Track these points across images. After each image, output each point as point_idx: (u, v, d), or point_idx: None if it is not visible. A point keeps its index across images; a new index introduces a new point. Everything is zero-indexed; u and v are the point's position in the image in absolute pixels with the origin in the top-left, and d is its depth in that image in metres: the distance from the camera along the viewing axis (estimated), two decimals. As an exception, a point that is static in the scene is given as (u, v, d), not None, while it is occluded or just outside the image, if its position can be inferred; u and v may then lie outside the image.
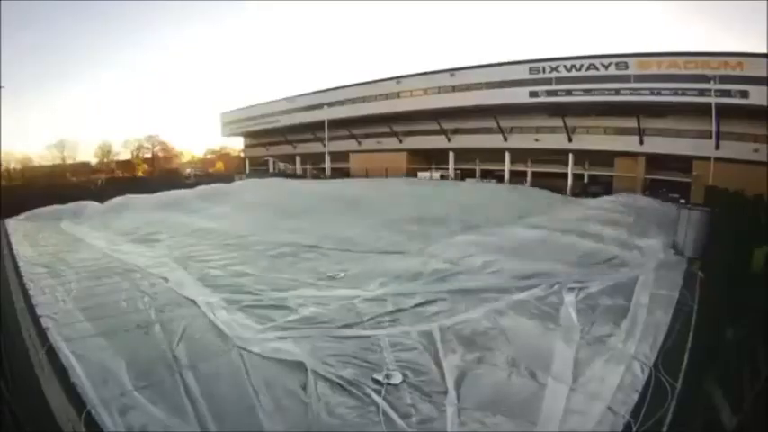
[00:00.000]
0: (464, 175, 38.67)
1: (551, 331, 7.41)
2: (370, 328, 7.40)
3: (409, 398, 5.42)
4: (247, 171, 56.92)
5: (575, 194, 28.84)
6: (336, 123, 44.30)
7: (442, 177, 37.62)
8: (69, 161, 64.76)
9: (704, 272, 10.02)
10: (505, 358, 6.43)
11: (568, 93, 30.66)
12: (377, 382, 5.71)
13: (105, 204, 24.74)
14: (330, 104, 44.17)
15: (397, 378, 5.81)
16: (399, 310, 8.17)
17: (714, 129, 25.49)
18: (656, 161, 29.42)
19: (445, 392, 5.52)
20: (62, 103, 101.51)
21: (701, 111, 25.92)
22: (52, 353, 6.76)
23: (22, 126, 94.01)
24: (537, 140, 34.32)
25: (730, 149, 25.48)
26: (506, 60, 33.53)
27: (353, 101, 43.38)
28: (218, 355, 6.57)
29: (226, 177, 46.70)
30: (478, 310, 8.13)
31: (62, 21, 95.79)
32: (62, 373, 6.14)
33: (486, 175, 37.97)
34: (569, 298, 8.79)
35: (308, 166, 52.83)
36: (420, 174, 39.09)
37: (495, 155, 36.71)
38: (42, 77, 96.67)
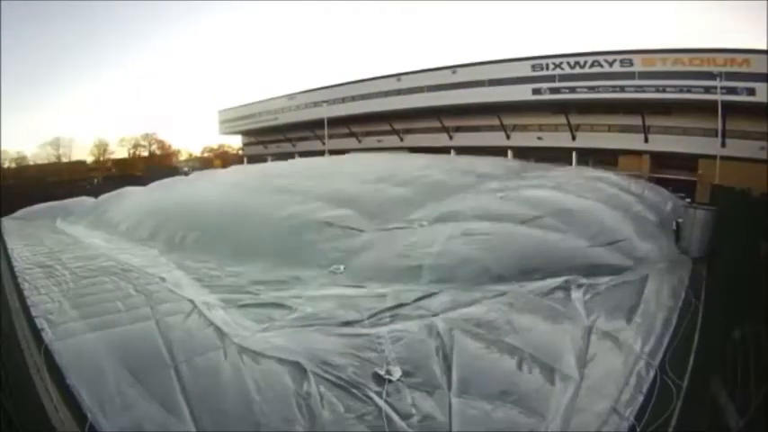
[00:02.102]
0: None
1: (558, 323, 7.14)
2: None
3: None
4: (246, 169, 56.36)
5: None
6: (336, 121, 43.93)
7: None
8: (65, 159, 64.13)
9: (710, 272, 9.78)
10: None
11: (572, 90, 30.47)
12: None
13: (99, 198, 24.26)
14: (330, 102, 43.76)
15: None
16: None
17: (720, 126, 25.33)
18: (660, 159, 29.21)
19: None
20: (58, 102, 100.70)
21: (706, 108, 25.73)
22: (48, 354, 6.48)
23: (18, 125, 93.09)
24: (540, 138, 34.03)
25: (736, 147, 25.28)
26: (509, 57, 33.26)
27: (353, 98, 43.00)
28: (214, 350, 6.29)
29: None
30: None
31: (59, 20, 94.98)
32: (58, 374, 5.91)
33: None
34: (577, 294, 8.48)
35: (308, 165, 52.44)
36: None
37: (498, 153, 36.33)
38: (38, 76, 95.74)
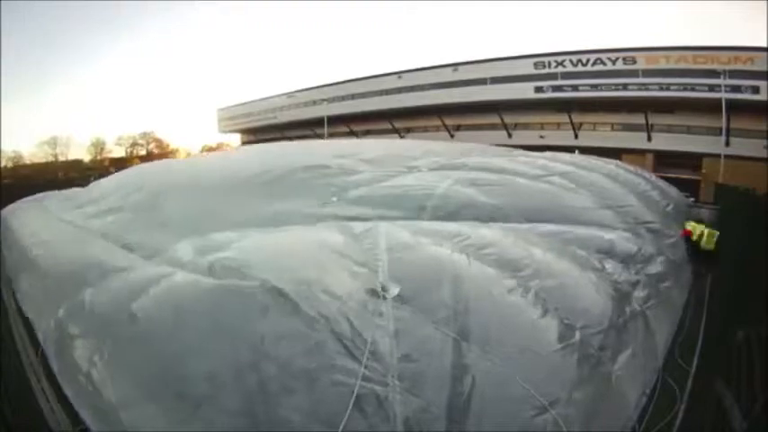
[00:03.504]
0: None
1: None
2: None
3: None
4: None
5: None
6: (336, 119, 43.71)
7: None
8: (62, 159, 63.67)
9: (713, 271, 9.65)
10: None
11: (574, 88, 30.29)
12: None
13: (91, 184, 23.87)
14: (330, 100, 43.50)
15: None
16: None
17: (724, 125, 25.15)
18: (664, 158, 28.98)
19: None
20: (55, 101, 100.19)
21: (710, 107, 25.58)
22: (44, 355, 6.26)
23: (16, 124, 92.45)
24: (542, 137, 33.80)
25: (740, 146, 25.15)
26: (511, 55, 33.10)
27: (354, 96, 42.78)
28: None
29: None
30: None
31: (56, 18, 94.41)
32: (54, 375, 5.74)
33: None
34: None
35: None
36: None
37: (499, 152, 36.34)
38: (36, 74, 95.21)
